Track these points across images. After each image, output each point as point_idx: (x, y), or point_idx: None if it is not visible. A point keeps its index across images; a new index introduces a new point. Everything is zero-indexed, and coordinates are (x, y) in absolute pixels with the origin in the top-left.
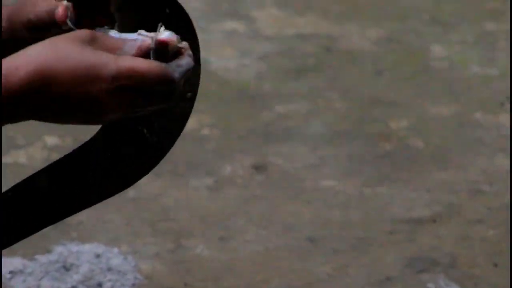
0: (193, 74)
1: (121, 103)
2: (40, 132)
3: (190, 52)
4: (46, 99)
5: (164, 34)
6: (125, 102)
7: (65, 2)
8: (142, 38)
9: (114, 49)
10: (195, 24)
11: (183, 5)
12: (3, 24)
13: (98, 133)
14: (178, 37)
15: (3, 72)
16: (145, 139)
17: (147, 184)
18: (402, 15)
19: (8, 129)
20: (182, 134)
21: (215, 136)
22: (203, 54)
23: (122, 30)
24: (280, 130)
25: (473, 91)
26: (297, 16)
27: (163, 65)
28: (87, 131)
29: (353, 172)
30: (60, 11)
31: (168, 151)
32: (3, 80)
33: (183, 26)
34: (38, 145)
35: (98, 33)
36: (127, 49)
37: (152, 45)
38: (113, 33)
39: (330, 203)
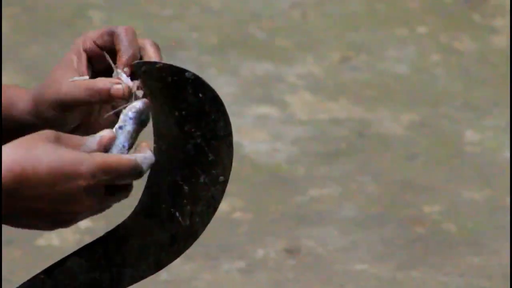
0: (226, 157)
1: (95, 199)
2: None
3: (150, 153)
4: (19, 201)
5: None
6: (99, 197)
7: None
8: (100, 134)
9: (78, 146)
10: (227, 108)
11: (216, 90)
12: (29, 107)
13: (130, 216)
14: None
15: None
16: (177, 222)
17: (179, 267)
18: (435, 100)
19: None
20: (214, 217)
21: (247, 220)
22: (235, 138)
23: (155, 111)
24: (312, 214)
25: (505, 175)
26: (329, 100)
27: (132, 158)
28: (119, 215)
29: (386, 256)
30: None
31: (200, 234)
32: None
33: (216, 110)
34: (70, 228)
35: (59, 132)
36: (88, 144)
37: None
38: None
39: (362, 287)
